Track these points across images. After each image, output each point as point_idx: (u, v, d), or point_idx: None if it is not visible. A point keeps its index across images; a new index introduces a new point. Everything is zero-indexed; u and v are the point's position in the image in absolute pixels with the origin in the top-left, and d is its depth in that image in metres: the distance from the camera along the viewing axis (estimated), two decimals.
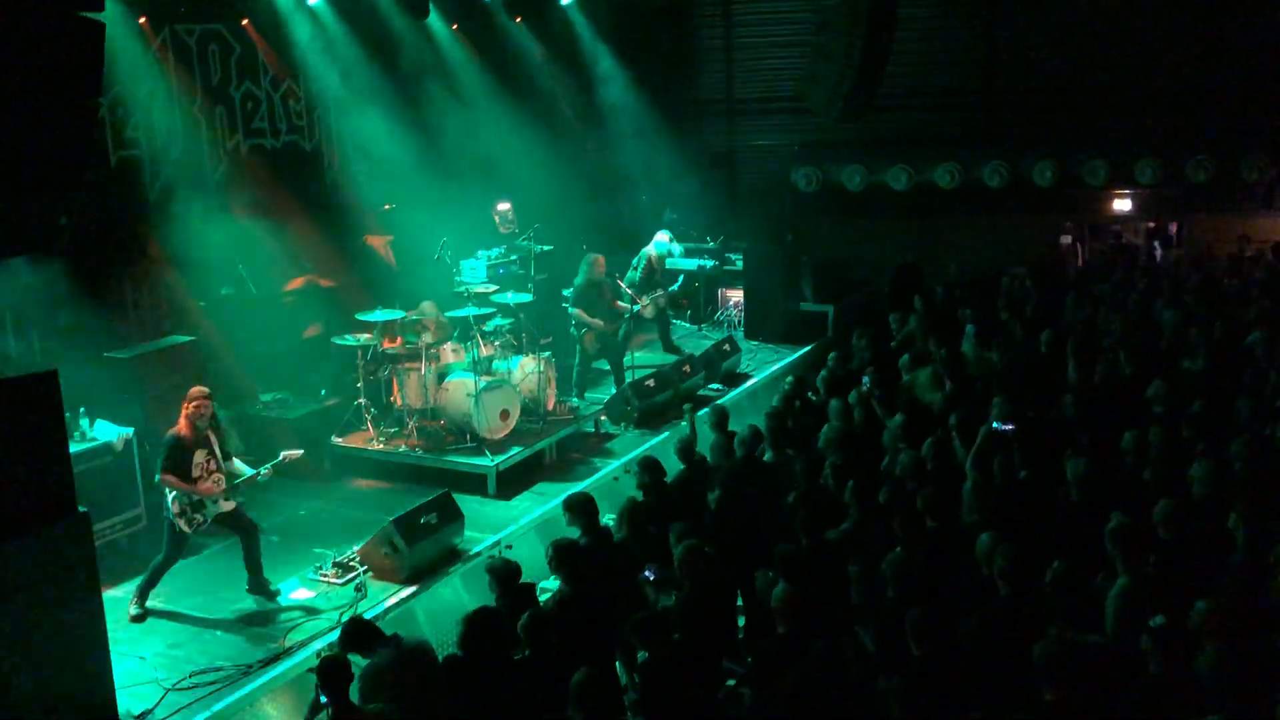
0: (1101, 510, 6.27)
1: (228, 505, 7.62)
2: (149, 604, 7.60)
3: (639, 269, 12.92)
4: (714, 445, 8.73)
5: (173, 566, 7.64)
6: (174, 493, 7.42)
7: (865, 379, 9.46)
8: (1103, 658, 5.13)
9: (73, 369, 7.20)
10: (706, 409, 9.90)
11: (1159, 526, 6.15)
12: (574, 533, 6.97)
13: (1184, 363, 9.64)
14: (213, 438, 7.60)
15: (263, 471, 7.79)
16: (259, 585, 7.74)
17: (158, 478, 7.44)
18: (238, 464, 7.80)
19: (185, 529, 7.49)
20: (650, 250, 13.16)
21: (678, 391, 11.67)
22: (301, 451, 8.07)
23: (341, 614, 7.39)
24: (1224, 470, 6.93)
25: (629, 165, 15.21)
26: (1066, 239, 16.76)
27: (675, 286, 13.44)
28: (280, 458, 7.86)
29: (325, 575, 8.01)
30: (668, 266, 15.37)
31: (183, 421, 7.50)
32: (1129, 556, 5.68)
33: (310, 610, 7.61)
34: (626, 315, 12.02)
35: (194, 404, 7.49)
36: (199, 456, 7.48)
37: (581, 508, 7.03)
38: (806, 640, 5.39)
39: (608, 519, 7.47)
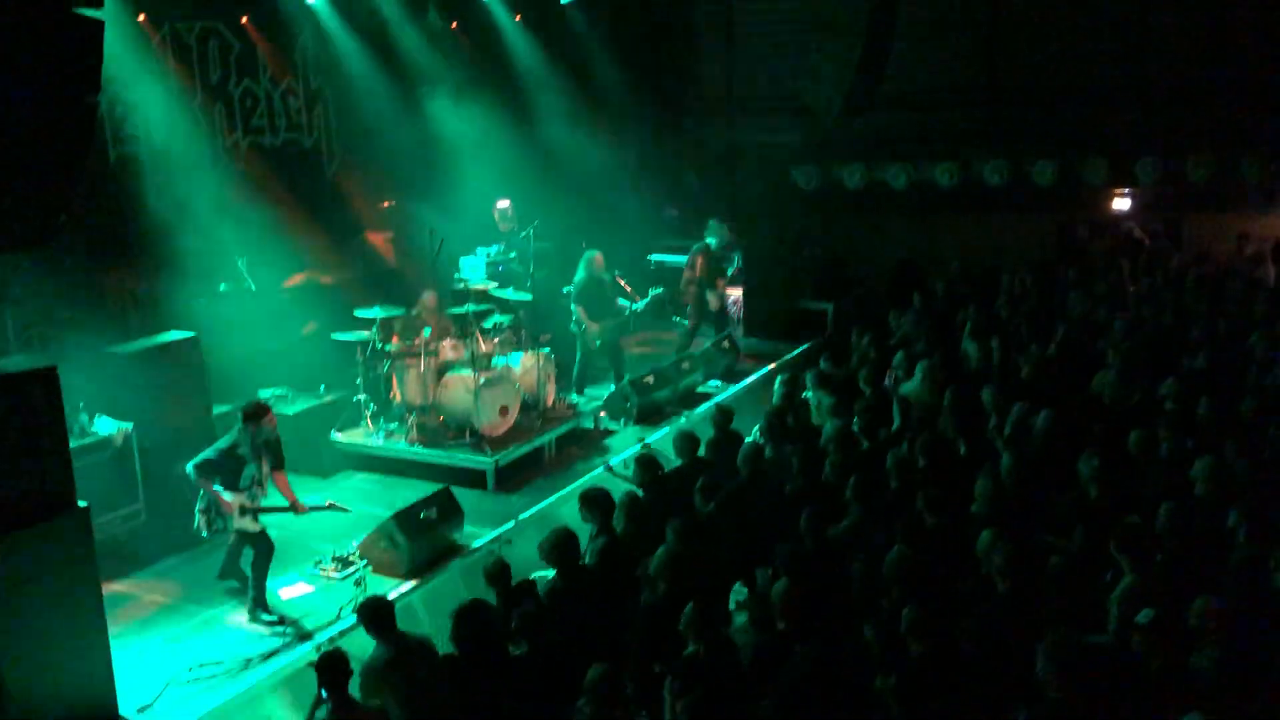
0: (1117, 508, 6.29)
1: (254, 526, 7.45)
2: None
3: (695, 266, 13.11)
4: (712, 443, 8.73)
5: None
6: (202, 489, 7.42)
7: (896, 359, 9.58)
8: (1105, 657, 5.13)
9: (73, 365, 7.20)
10: (705, 407, 9.93)
11: (1160, 526, 6.15)
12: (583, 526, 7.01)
13: (1185, 361, 9.64)
14: (265, 454, 7.53)
15: (298, 508, 7.66)
16: (259, 601, 7.50)
17: (190, 466, 7.39)
18: (283, 484, 7.68)
19: (204, 529, 7.48)
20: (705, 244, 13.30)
21: (676, 388, 11.68)
22: (349, 510, 7.92)
23: (341, 609, 7.41)
24: (1225, 469, 6.93)
25: (629, 163, 15.20)
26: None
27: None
28: (324, 504, 7.77)
29: (325, 570, 8.02)
30: (668, 265, 15.43)
31: (239, 434, 7.42)
32: (1135, 558, 5.68)
33: (310, 605, 7.61)
34: (625, 313, 12.03)
35: (264, 418, 7.45)
36: (250, 470, 7.42)
37: (598, 503, 7.04)
38: (806, 638, 5.39)
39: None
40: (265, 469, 7.55)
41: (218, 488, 7.37)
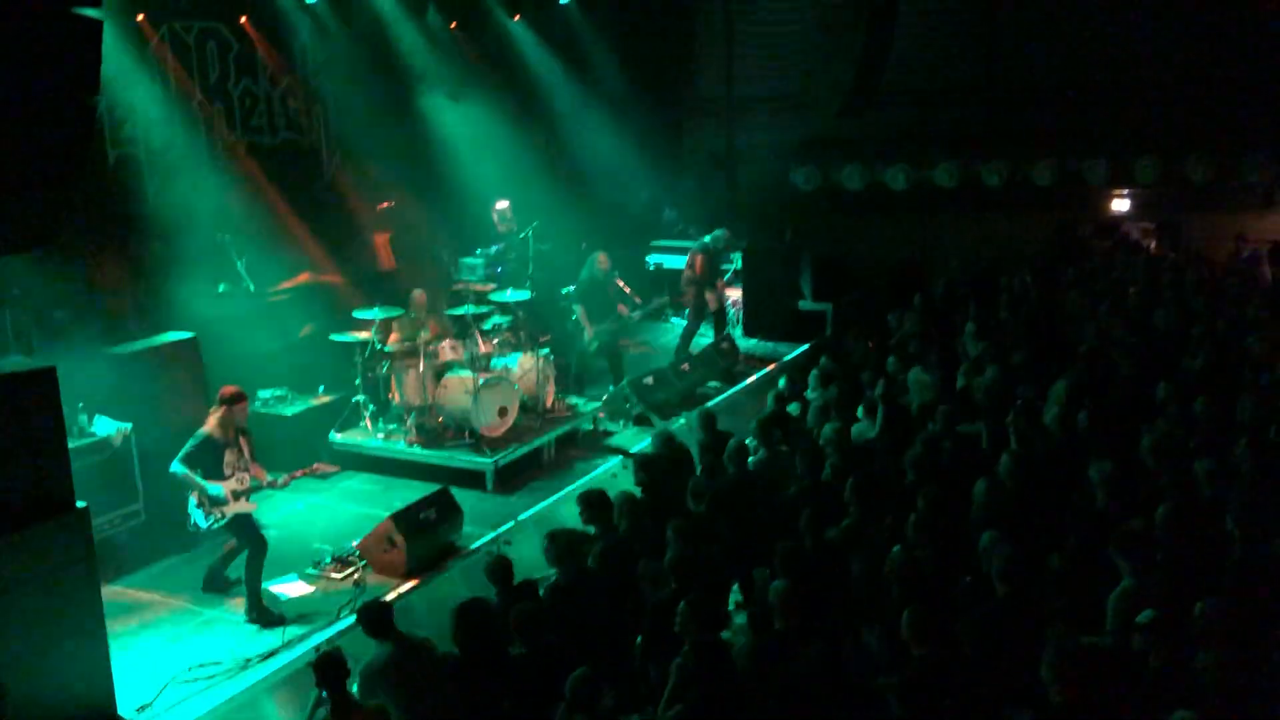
0: (1126, 512, 6.28)
1: (248, 506, 7.56)
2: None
3: (694, 266, 13.10)
4: (701, 446, 8.70)
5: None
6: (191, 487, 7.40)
7: (891, 359, 9.71)
8: (1109, 659, 5.12)
9: (72, 365, 7.18)
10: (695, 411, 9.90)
11: (1159, 529, 6.14)
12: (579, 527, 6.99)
13: (1184, 362, 9.63)
14: (243, 440, 7.59)
15: (280, 479, 7.90)
16: (257, 601, 7.49)
17: (174, 466, 7.37)
18: (257, 470, 7.75)
19: (201, 521, 7.47)
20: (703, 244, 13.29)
21: (676, 390, 11.67)
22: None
23: (340, 609, 7.41)
24: (1226, 469, 6.92)
25: (629, 163, 15.21)
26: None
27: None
28: (313, 465, 7.83)
29: (324, 570, 8.02)
30: (666, 267, 15.44)
31: (213, 421, 7.47)
32: (1135, 562, 5.68)
33: (309, 605, 7.61)
34: (625, 316, 12.02)
35: (236, 406, 7.48)
36: (229, 456, 7.46)
37: (598, 504, 7.03)
38: (805, 637, 5.39)
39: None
40: (246, 453, 7.59)
41: (201, 480, 7.34)
